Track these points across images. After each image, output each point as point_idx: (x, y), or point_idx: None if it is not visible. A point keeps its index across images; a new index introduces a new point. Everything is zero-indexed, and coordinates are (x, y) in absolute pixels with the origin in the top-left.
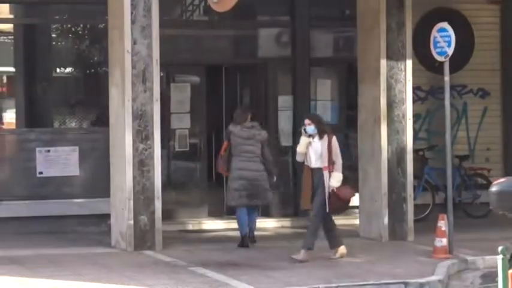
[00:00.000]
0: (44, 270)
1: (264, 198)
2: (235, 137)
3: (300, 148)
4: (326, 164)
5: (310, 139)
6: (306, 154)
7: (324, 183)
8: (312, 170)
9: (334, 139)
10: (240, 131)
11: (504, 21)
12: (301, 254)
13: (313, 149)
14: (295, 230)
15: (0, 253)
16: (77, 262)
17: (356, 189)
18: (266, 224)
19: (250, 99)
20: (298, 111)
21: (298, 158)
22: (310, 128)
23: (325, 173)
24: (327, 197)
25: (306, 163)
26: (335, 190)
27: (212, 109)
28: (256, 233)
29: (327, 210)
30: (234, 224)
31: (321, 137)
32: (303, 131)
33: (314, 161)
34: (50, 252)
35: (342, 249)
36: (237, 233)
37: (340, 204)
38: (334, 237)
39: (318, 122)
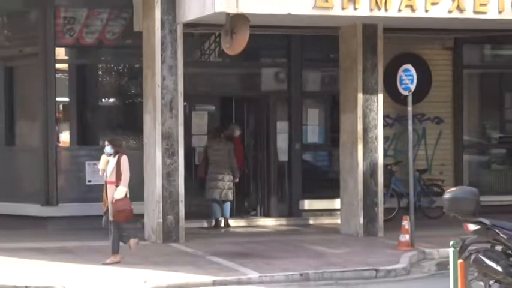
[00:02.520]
0: (91, 258)
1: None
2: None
3: (99, 165)
4: (114, 179)
5: (108, 157)
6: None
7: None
8: (107, 183)
9: (122, 158)
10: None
11: (455, 63)
12: (111, 259)
13: (110, 166)
14: (290, 227)
15: (57, 244)
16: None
17: (336, 195)
18: (266, 223)
19: (254, 124)
20: (293, 134)
21: (100, 173)
22: (108, 148)
23: (110, 186)
24: (110, 207)
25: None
26: (112, 202)
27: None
28: (258, 230)
29: (111, 219)
30: (241, 222)
31: (114, 156)
32: (104, 150)
33: (109, 176)
34: (95, 244)
35: (118, 257)
36: (243, 230)
37: (121, 215)
38: (114, 244)
39: (114, 144)
